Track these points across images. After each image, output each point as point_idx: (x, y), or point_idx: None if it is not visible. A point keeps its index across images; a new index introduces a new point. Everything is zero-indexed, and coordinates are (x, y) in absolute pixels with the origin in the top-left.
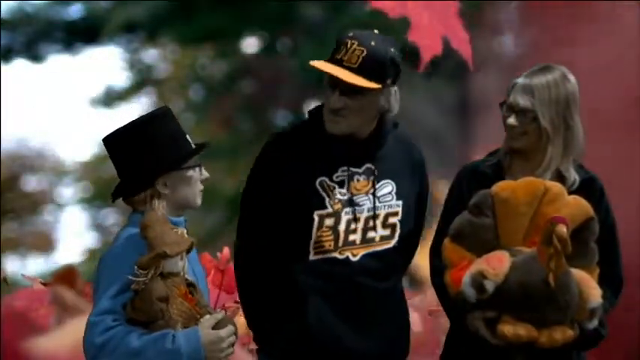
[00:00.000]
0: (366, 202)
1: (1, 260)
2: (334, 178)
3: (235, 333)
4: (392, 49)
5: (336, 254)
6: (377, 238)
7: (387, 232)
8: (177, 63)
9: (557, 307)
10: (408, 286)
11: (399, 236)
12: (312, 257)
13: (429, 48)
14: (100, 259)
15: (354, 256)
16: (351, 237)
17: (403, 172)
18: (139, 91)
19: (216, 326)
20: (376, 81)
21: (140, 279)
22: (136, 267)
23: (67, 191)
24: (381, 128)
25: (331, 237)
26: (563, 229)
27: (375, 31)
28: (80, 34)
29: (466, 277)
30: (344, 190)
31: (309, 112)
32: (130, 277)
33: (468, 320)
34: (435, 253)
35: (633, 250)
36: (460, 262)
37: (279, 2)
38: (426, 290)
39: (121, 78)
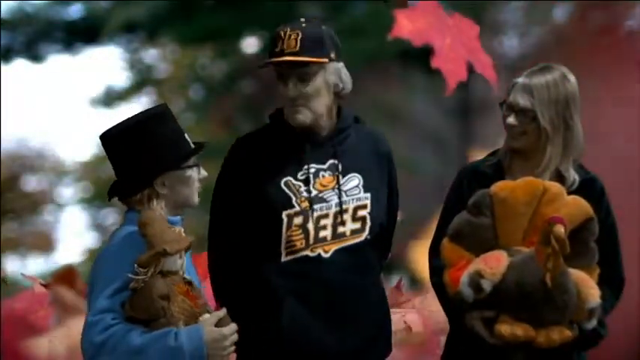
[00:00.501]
0: (333, 198)
1: (1, 260)
2: (299, 176)
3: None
4: (323, 27)
5: (307, 252)
6: (347, 233)
7: (357, 225)
8: (177, 63)
9: (554, 307)
10: (408, 286)
11: (371, 229)
12: (284, 258)
13: (454, 73)
14: (97, 257)
15: (325, 252)
16: (322, 233)
17: (369, 165)
18: (139, 91)
19: (218, 324)
20: (320, 56)
21: (140, 277)
22: (135, 265)
23: (67, 191)
24: (341, 122)
25: (301, 235)
26: (560, 229)
27: (302, 19)
28: (80, 34)
29: (464, 277)
30: (310, 188)
31: (270, 115)
32: (130, 276)
33: (467, 320)
34: (435, 252)
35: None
36: (459, 261)
37: (279, 2)
38: (426, 291)
39: (121, 78)
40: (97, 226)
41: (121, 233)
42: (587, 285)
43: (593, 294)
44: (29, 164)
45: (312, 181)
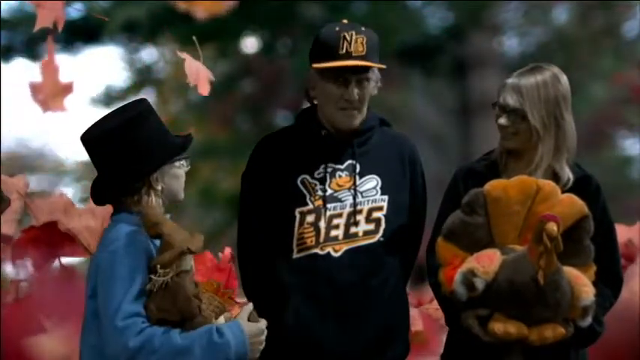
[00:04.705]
0: (348, 198)
1: (0, 260)
2: (316, 175)
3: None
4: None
5: (317, 250)
6: (360, 233)
7: (370, 226)
8: (177, 63)
9: (546, 305)
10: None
11: (385, 230)
12: (295, 255)
13: None
14: (100, 260)
15: (335, 251)
16: (333, 232)
17: (391, 168)
18: (139, 91)
19: (248, 319)
20: (380, 62)
21: (162, 278)
22: (157, 265)
23: (67, 191)
24: (364, 124)
25: (313, 233)
26: (553, 227)
27: (345, 21)
28: (80, 34)
29: (457, 276)
30: (325, 187)
31: (298, 114)
32: (152, 277)
33: (462, 318)
34: (432, 252)
35: None
36: (453, 260)
37: (279, 2)
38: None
39: (121, 78)
40: None
41: (120, 231)
42: (581, 282)
43: (586, 291)
44: (29, 164)
45: (328, 181)
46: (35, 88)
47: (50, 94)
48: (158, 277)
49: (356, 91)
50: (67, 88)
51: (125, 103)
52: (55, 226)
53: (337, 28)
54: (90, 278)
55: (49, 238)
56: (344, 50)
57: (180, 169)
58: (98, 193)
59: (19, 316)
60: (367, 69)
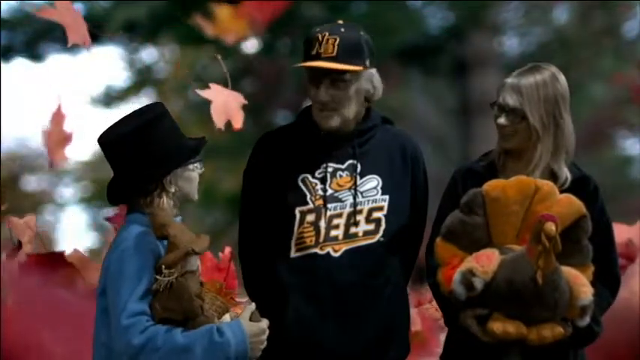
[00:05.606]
0: (348, 198)
1: (1, 260)
2: (316, 174)
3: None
4: (361, 32)
5: (316, 250)
6: (360, 234)
7: (370, 227)
8: (177, 63)
9: (545, 305)
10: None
11: (385, 231)
12: (294, 254)
13: None
14: (112, 257)
15: (335, 251)
16: (333, 232)
17: (392, 167)
18: (139, 91)
19: (250, 318)
20: (357, 64)
21: (167, 278)
22: (163, 266)
23: (67, 191)
24: (366, 123)
25: (312, 232)
26: (551, 227)
27: (340, 22)
28: None
29: (456, 275)
30: (325, 187)
31: (300, 112)
32: (158, 277)
33: (461, 318)
34: (431, 252)
35: None
36: (452, 260)
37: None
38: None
39: (121, 78)
40: (97, 226)
41: (130, 232)
42: (579, 282)
43: (585, 291)
44: (29, 164)
45: (328, 180)
46: (46, 135)
47: (55, 143)
48: (163, 278)
49: (330, 92)
50: (68, 139)
51: (140, 106)
52: (62, 255)
53: (318, 29)
54: (101, 276)
55: (54, 265)
56: (314, 51)
57: (193, 171)
58: (113, 194)
59: (20, 317)
60: (340, 70)
